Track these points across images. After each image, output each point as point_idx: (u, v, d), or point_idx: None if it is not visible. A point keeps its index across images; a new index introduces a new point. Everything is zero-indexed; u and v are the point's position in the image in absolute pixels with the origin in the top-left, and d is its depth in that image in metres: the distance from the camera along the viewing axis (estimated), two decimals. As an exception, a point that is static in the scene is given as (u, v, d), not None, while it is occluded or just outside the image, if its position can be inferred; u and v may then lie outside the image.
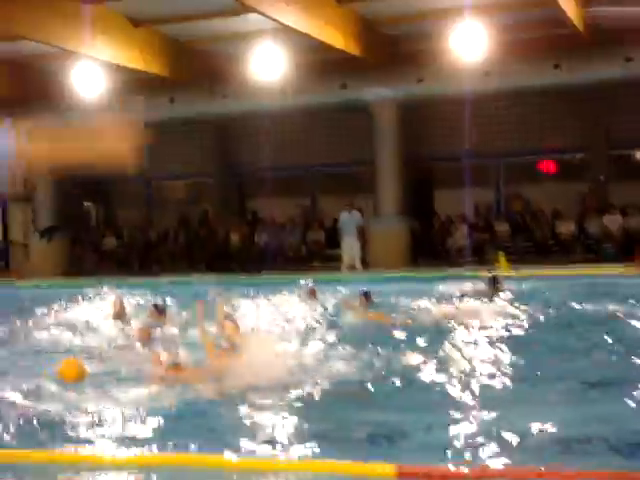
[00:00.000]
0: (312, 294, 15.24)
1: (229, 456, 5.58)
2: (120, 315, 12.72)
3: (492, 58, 19.96)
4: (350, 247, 21.81)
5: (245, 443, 6.06)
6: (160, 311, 12.43)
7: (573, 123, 23.30)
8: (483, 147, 23.46)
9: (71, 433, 6.61)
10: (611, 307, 12.98)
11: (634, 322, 11.56)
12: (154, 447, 6.08)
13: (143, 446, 6.09)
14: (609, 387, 7.63)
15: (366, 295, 13.85)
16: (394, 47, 22.13)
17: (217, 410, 7.23)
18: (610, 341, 10.00)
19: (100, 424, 6.83)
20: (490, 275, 14.91)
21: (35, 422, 6.96)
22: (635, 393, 7.15)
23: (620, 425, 6.20)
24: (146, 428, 6.64)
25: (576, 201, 23.19)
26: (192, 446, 5.97)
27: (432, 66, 21.35)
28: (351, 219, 22.01)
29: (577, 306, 13.27)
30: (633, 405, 6.78)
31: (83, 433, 6.61)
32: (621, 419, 6.38)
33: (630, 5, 19.01)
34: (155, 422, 6.79)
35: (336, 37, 19.75)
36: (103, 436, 6.47)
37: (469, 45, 19.45)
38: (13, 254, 28.86)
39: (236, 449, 5.82)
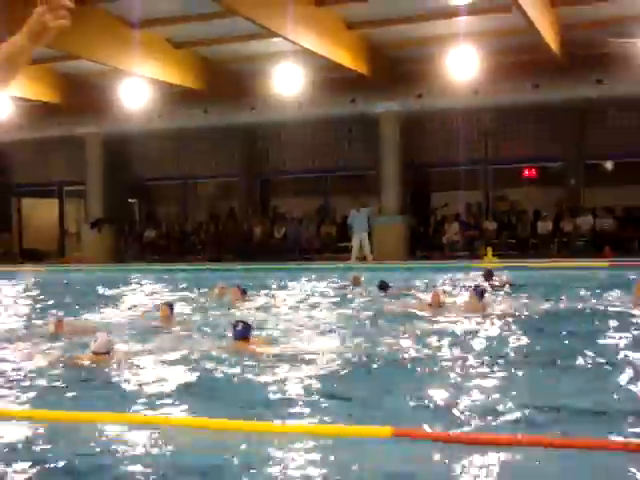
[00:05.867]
0: (356, 281, 15.08)
1: (245, 419, 5.51)
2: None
3: (481, 78, 19.97)
4: (359, 241, 21.87)
5: (260, 408, 5.97)
6: (242, 292, 12.91)
7: (552, 135, 23.16)
8: (473, 155, 23.42)
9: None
10: (584, 294, 13.00)
11: (600, 307, 11.57)
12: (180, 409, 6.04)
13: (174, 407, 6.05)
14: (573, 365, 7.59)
15: (383, 282, 13.81)
16: (397, 67, 22.10)
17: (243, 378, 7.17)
18: (585, 325, 10.03)
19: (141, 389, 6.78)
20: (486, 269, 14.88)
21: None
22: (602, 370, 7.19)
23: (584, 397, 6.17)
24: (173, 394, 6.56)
25: (554, 203, 23.12)
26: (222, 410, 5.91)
27: (430, 84, 21.32)
28: (360, 216, 22.06)
29: (556, 294, 13.23)
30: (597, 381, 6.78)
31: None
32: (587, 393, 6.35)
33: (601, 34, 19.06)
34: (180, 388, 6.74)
35: (347, 58, 19.74)
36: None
37: (461, 67, 19.47)
38: (67, 242, 29.08)
39: (251, 413, 5.77)
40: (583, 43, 19.61)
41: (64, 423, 5.73)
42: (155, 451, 5.04)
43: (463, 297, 12.72)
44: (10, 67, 2.41)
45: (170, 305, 11.04)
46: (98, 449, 5.13)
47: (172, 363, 7.86)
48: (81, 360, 7.95)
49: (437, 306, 11.36)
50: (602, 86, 19.97)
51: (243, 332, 8.23)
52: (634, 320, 10.15)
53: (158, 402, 6.29)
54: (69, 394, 6.75)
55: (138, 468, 4.73)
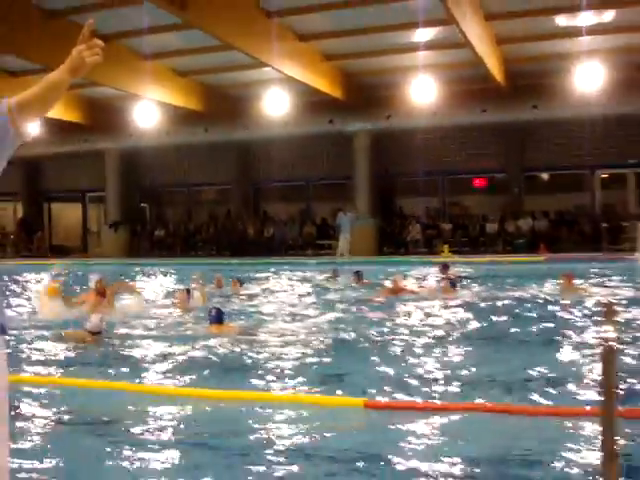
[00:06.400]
0: (335, 274, 14.90)
1: (235, 389, 5.46)
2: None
3: (439, 103, 20.09)
4: (344, 240, 21.81)
5: (248, 380, 5.92)
6: (240, 283, 12.92)
7: (497, 151, 23.32)
8: (432, 167, 23.48)
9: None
10: (523, 283, 13.11)
11: (536, 294, 11.74)
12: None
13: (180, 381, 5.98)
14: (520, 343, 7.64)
15: (358, 273, 13.82)
16: (368, 92, 22.16)
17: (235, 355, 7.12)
18: (522, 308, 10.18)
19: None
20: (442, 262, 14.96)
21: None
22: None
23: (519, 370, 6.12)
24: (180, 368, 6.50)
25: (499, 208, 23.23)
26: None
27: (396, 107, 21.40)
28: (346, 219, 22.01)
29: (501, 282, 13.41)
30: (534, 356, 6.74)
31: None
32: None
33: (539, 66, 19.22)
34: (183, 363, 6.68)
35: (325, 85, 19.81)
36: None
37: (422, 93, 19.59)
38: (89, 240, 28.95)
39: (241, 385, 5.73)
40: (522, 75, 19.81)
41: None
42: (137, 414, 4.97)
43: (425, 283, 12.97)
44: (53, 95, 2.51)
45: (188, 291, 10.90)
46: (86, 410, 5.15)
47: (159, 341, 7.80)
48: (78, 335, 7.94)
49: (398, 292, 11.53)
50: (537, 111, 20.21)
51: (217, 317, 8.20)
52: (561, 304, 10.27)
53: (139, 373, 6.27)
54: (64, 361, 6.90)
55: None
